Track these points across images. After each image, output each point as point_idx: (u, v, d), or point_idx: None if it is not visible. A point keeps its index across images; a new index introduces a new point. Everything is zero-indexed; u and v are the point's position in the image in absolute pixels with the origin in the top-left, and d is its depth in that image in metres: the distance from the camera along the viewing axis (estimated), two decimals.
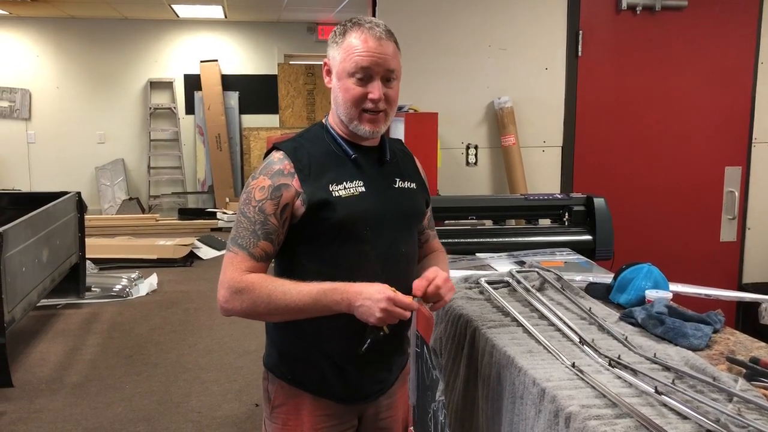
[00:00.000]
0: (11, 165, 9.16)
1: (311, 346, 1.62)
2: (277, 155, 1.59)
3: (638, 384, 1.45)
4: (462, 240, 2.87)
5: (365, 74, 1.56)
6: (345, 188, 1.57)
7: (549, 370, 1.56)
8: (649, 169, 3.70)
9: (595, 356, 1.64)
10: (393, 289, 1.47)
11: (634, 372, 1.52)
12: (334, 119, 1.65)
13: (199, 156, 9.61)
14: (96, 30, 9.13)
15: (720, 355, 1.72)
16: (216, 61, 9.38)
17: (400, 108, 3.22)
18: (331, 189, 1.56)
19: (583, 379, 1.50)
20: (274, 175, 1.55)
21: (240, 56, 9.56)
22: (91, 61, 9.18)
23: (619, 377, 1.51)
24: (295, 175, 1.54)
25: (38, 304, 4.95)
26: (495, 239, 2.86)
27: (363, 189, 1.59)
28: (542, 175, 3.58)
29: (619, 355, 1.61)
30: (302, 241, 1.57)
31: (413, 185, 1.72)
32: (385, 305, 1.44)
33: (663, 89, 3.67)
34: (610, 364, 1.58)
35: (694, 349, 1.72)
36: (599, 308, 2.05)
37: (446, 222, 3.08)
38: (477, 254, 2.78)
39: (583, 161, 3.62)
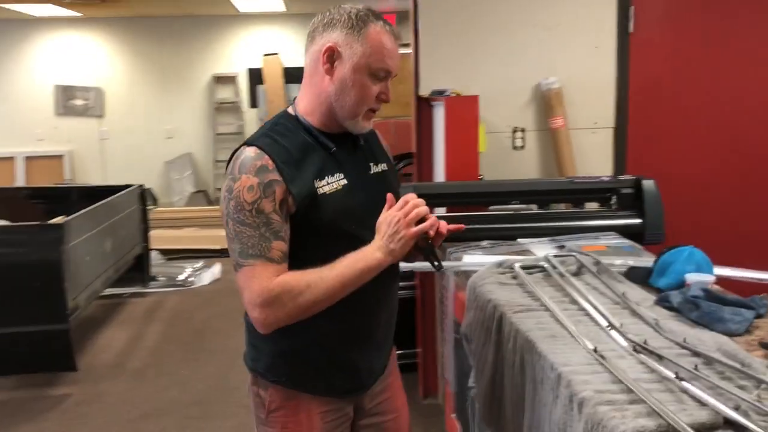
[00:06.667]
0: (86, 160, 9.55)
1: (306, 343, 1.57)
2: (251, 151, 1.46)
3: (660, 369, 1.38)
4: (504, 225, 2.80)
5: (386, 75, 1.52)
6: (328, 183, 1.50)
7: (569, 355, 1.51)
8: (709, 150, 3.50)
9: (621, 341, 1.58)
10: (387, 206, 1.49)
11: (659, 357, 1.45)
12: (309, 109, 1.56)
13: None
14: (163, 28, 9.40)
15: (762, 341, 1.62)
16: (277, 54, 9.50)
17: (441, 93, 3.17)
18: (316, 186, 1.49)
19: (603, 364, 1.44)
20: (258, 171, 1.43)
21: (301, 49, 9.58)
22: (158, 58, 9.47)
23: (643, 363, 1.45)
24: (278, 173, 1.44)
25: (106, 293, 5.17)
26: (538, 224, 2.79)
27: (345, 182, 1.54)
28: (593, 157, 3.45)
29: (645, 340, 1.53)
30: (291, 244, 1.48)
31: (384, 167, 1.69)
32: (399, 222, 1.45)
33: (725, 66, 3.47)
34: (634, 349, 1.51)
35: (732, 335, 1.63)
36: (636, 292, 1.96)
37: (491, 207, 3.02)
38: (519, 239, 2.72)
39: (637, 143, 3.47)
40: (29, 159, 9.34)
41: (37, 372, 3.91)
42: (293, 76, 9.62)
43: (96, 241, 4.30)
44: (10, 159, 9.31)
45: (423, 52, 3.32)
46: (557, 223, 2.77)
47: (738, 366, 1.36)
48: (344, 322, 1.58)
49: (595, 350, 1.50)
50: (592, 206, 3.03)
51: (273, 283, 1.43)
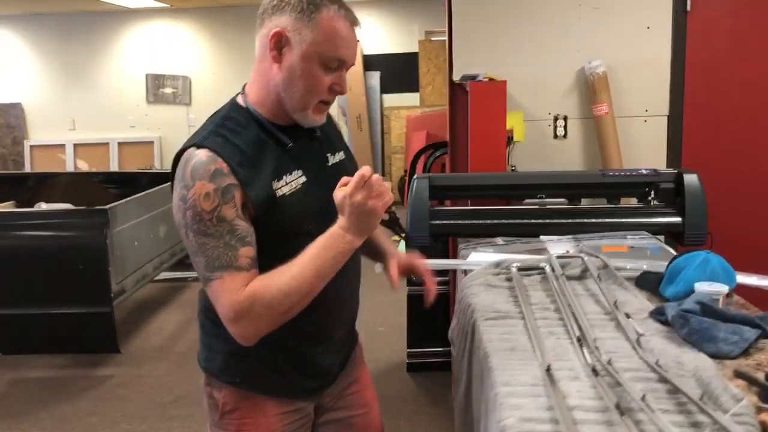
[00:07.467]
0: (175, 147, 9.74)
1: (261, 344, 1.44)
2: (203, 154, 1.33)
3: (605, 397, 1.19)
4: (525, 221, 2.60)
5: (339, 65, 1.40)
6: (287, 183, 1.39)
7: (516, 373, 1.34)
8: None
9: (586, 359, 1.39)
10: (341, 184, 1.34)
11: (617, 382, 1.26)
12: (259, 99, 1.44)
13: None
14: (246, 17, 9.54)
15: (758, 367, 1.38)
16: (357, 41, 9.46)
17: (473, 77, 2.99)
18: (274, 188, 1.37)
19: (546, 387, 1.27)
20: (213, 176, 1.31)
21: (381, 35, 9.56)
22: (242, 47, 9.63)
23: (595, 387, 1.26)
24: (234, 177, 1.33)
25: (168, 277, 5.30)
26: (562, 221, 2.57)
27: (304, 179, 1.42)
28: (644, 148, 3.16)
29: (611, 360, 1.34)
30: None
31: (342, 155, 1.57)
32: (364, 197, 1.30)
33: None
34: (593, 370, 1.32)
35: (724, 357, 1.41)
36: (635, 302, 1.75)
37: (525, 201, 2.82)
38: (541, 237, 2.52)
39: (694, 133, 3.15)
40: (122, 145, 9.77)
41: (81, 352, 4.05)
42: (372, 63, 9.58)
43: (147, 226, 4.38)
44: (105, 144, 9.78)
45: (457, 35, 3.13)
46: (582, 220, 2.54)
47: (694, 398, 1.15)
48: (301, 322, 1.46)
49: (548, 369, 1.33)
50: (631, 202, 2.77)
51: (242, 295, 1.32)
